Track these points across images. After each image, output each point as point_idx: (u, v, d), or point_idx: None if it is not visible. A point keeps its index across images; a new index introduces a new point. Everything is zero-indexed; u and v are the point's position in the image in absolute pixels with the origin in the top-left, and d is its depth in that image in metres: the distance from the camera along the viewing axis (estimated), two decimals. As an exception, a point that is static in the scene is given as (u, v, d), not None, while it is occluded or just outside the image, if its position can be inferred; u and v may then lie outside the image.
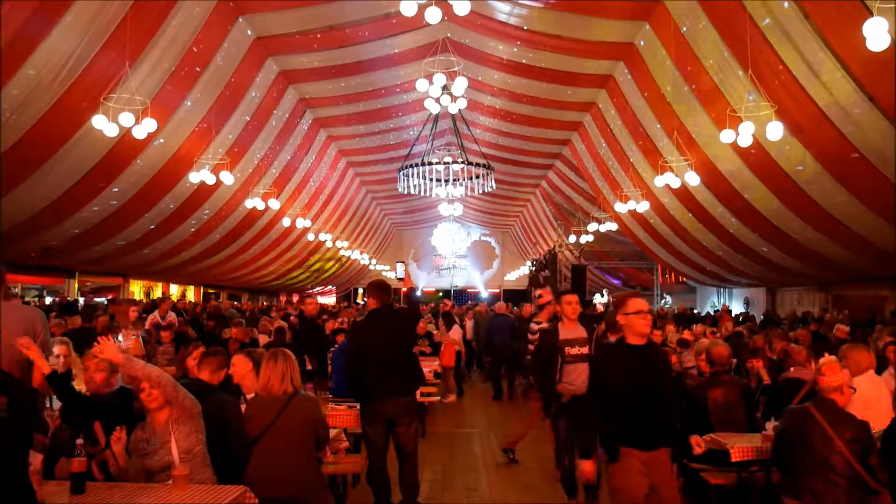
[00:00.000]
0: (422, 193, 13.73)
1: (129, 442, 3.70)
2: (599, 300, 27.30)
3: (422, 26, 11.74)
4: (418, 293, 36.52)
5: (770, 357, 6.90)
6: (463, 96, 12.04)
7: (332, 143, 18.71)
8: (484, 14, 11.83)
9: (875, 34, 5.92)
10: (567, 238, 23.29)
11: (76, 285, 17.28)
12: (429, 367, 8.93)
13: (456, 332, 12.61)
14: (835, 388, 3.85)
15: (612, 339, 7.79)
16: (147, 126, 8.97)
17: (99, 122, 8.56)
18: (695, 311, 19.65)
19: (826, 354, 4.30)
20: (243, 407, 4.17)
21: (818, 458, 3.69)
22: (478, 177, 13.49)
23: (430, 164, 13.04)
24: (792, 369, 5.61)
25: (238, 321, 10.09)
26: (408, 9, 8.30)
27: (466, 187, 13.88)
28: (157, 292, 21.29)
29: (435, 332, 12.27)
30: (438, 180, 13.16)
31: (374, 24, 12.19)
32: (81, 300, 16.47)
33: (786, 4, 8.03)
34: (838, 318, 12.68)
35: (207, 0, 10.08)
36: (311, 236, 21.01)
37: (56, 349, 4.81)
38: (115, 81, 8.99)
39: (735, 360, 6.54)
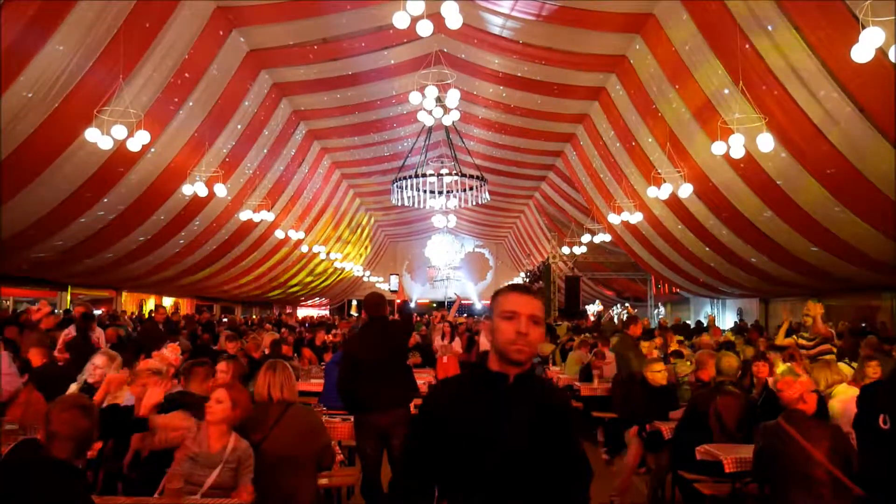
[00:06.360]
0: (415, 205, 13.75)
1: (185, 431, 3.62)
2: (592, 311, 27.35)
3: (415, 39, 11.80)
4: (412, 305, 36.56)
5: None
6: (456, 108, 12.06)
7: (325, 155, 18.72)
8: (477, 27, 11.90)
9: (866, 46, 5.98)
10: (561, 249, 23.34)
11: (69, 298, 17.17)
12: (422, 378, 8.87)
13: (457, 345, 12.57)
14: (797, 399, 3.86)
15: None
16: (140, 139, 8.97)
17: (92, 135, 8.56)
18: (682, 323, 19.54)
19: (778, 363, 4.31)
20: None
21: (800, 472, 3.66)
22: (471, 188, 13.53)
23: (423, 175, 13.08)
24: (785, 379, 5.61)
25: (232, 335, 10.00)
26: (400, 20, 8.33)
27: (460, 199, 13.92)
28: (150, 305, 21.20)
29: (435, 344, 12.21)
30: (432, 192, 13.19)
31: (367, 36, 12.24)
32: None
33: (770, 28, 8.12)
34: (839, 327, 12.64)
35: (202, 9, 10.12)
36: (304, 248, 20.97)
37: (97, 360, 4.86)
38: (109, 94, 9.00)
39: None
